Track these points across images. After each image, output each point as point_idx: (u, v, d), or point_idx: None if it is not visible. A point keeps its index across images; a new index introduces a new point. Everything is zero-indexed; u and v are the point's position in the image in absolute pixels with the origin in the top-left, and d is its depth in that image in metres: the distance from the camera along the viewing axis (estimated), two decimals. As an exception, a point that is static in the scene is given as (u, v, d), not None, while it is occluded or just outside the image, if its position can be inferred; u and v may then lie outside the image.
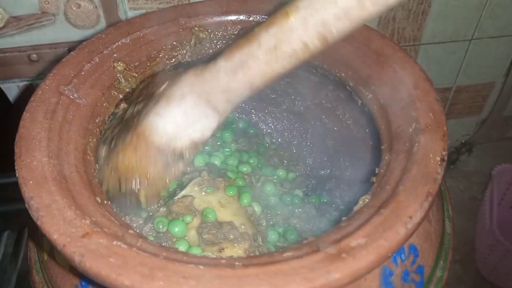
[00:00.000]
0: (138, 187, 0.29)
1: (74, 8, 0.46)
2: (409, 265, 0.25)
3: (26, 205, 0.23)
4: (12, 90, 0.51)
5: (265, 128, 0.48)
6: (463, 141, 0.71)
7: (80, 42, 0.48)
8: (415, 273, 0.26)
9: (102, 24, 0.48)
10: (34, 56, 0.49)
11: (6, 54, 0.48)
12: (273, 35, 0.24)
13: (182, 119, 0.28)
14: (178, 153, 0.29)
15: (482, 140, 0.70)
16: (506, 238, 0.53)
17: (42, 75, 0.51)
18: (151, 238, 0.30)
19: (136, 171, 0.29)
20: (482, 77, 0.64)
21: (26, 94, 0.52)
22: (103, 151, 0.30)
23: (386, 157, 0.27)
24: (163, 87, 0.30)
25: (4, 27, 0.46)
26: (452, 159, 0.69)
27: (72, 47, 0.49)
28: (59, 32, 0.47)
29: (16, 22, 0.46)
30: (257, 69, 0.25)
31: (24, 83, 0.51)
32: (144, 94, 0.32)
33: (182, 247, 0.29)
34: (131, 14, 0.48)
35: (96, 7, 0.46)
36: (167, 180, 0.30)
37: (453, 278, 0.57)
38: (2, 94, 0.50)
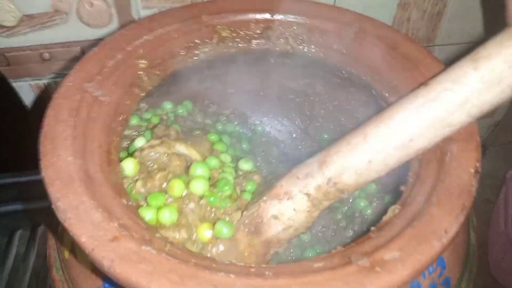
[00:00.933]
0: None
1: (87, 7, 0.45)
2: (436, 278, 0.25)
3: (52, 206, 0.22)
4: (24, 88, 0.51)
5: (279, 128, 0.47)
6: (476, 144, 0.71)
7: (92, 41, 0.48)
8: (441, 285, 0.25)
9: (115, 23, 0.47)
10: (46, 55, 0.48)
11: (19, 52, 0.48)
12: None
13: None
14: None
15: (495, 142, 0.70)
16: (520, 242, 0.52)
17: (54, 74, 0.50)
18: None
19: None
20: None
21: (38, 92, 0.52)
22: None
23: (415, 166, 0.26)
24: None
25: (17, 25, 0.45)
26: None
27: (85, 46, 0.48)
28: (71, 31, 0.47)
29: (29, 21, 0.45)
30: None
31: (36, 81, 0.51)
32: None
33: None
34: (144, 13, 0.48)
35: (109, 6, 0.46)
36: None
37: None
38: (14, 93, 0.50)
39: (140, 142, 0.32)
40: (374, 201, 0.37)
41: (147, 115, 0.38)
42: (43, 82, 0.51)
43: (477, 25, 0.58)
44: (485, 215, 0.61)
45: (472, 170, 0.23)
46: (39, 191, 0.23)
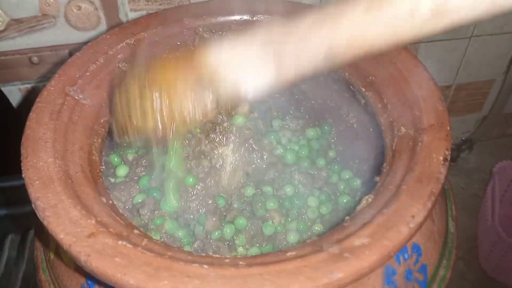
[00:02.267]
0: (164, 111, 0.25)
1: (74, 10, 0.46)
2: (412, 264, 0.25)
3: (32, 205, 0.23)
4: (13, 93, 0.52)
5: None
6: (463, 139, 0.71)
7: (81, 44, 0.48)
8: (418, 272, 0.26)
9: (103, 25, 0.48)
10: (35, 59, 0.49)
11: (7, 57, 0.48)
12: None
13: (240, 58, 0.24)
14: (219, 89, 0.24)
15: (482, 137, 0.71)
16: (508, 234, 0.53)
17: (43, 78, 0.51)
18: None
19: (169, 89, 0.24)
20: (481, 74, 0.64)
21: (28, 96, 0.52)
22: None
23: (389, 156, 0.27)
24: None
25: (5, 30, 0.46)
26: (453, 157, 0.70)
27: (73, 49, 0.49)
28: (59, 34, 0.47)
29: (17, 25, 0.46)
30: (347, 28, 0.21)
31: (26, 85, 0.51)
32: None
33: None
34: (131, 15, 0.48)
35: (97, 9, 0.47)
36: (196, 114, 0.25)
37: (456, 275, 0.57)
38: (3, 98, 0.50)
39: None
40: (358, 195, 0.38)
41: None
42: (31, 85, 0.51)
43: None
44: (473, 210, 0.62)
45: (441, 158, 0.24)
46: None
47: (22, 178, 0.24)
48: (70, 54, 0.49)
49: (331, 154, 0.43)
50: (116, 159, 0.37)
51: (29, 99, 0.53)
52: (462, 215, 0.62)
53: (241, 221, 0.33)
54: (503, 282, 0.57)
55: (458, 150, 0.70)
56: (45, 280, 0.29)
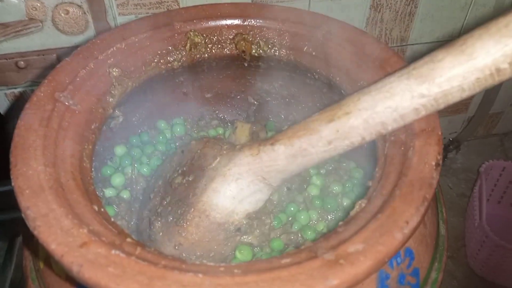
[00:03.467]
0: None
1: (62, 14, 0.45)
2: (405, 268, 0.26)
3: (22, 214, 0.23)
4: (-1, 98, 0.51)
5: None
6: (451, 139, 0.72)
7: (68, 48, 0.48)
8: (411, 275, 0.26)
9: (91, 30, 0.48)
10: (21, 63, 0.48)
11: (-6, 61, 0.47)
12: (334, 130, 0.26)
13: (239, 195, 0.30)
14: (236, 226, 0.31)
15: (469, 137, 0.72)
16: (495, 233, 0.54)
17: (30, 82, 0.50)
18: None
19: (198, 245, 0.31)
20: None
21: (14, 101, 0.52)
22: (158, 224, 0.32)
23: (381, 161, 0.27)
24: (215, 163, 0.31)
25: (-10, 35, 0.45)
26: (441, 157, 0.71)
27: (61, 53, 0.48)
28: (47, 39, 0.47)
29: (3, 29, 0.45)
30: (315, 155, 0.27)
31: (12, 90, 0.51)
32: (191, 165, 0.34)
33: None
34: (120, 19, 0.48)
35: (85, 13, 0.46)
36: (224, 253, 0.31)
37: (445, 274, 0.58)
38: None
39: None
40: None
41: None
42: (18, 90, 0.51)
43: (447, 24, 0.59)
44: (461, 209, 0.63)
45: (433, 163, 0.24)
46: (16, 201, 0.23)
47: (7, 184, 0.23)
48: (58, 58, 0.48)
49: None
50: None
51: (16, 104, 0.52)
52: (450, 214, 0.63)
53: None
54: (491, 280, 0.58)
55: (445, 150, 0.71)
56: (35, 290, 0.29)
